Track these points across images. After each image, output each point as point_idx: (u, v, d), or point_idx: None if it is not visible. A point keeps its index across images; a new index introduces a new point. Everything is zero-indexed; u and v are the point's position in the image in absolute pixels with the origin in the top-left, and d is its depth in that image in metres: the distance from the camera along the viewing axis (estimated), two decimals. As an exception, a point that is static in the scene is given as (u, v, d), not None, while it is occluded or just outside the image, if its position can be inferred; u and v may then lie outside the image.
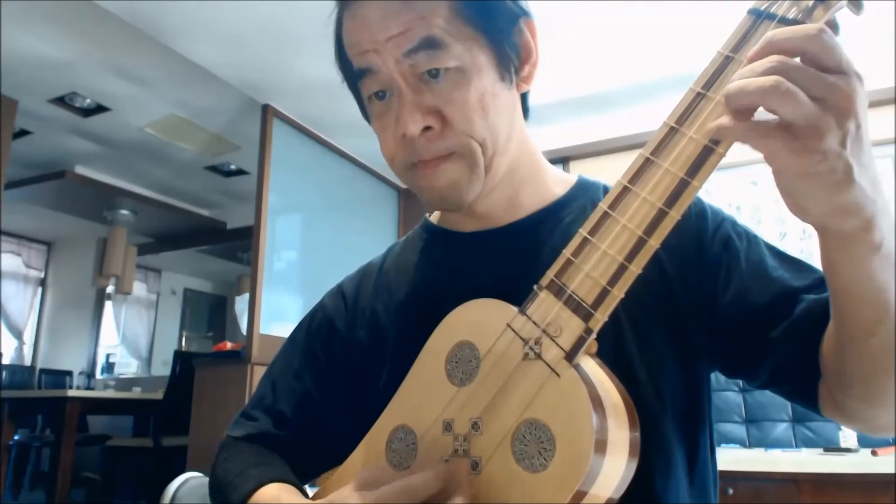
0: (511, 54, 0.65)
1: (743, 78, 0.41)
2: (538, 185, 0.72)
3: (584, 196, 0.72)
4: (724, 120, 0.43)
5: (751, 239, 0.67)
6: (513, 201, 0.70)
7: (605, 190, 0.73)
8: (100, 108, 3.52)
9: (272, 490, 0.64)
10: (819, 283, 0.61)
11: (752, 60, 0.42)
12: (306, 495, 0.65)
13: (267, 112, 3.23)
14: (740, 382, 2.68)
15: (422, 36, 0.59)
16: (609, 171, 3.54)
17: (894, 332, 0.48)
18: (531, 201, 0.71)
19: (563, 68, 2.87)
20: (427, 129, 0.61)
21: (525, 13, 0.67)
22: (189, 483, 1.03)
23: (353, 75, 0.66)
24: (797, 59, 0.41)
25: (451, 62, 0.60)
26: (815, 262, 0.64)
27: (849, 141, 0.40)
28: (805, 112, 0.39)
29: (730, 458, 2.22)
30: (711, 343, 0.64)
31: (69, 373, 5.62)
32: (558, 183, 0.74)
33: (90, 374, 5.74)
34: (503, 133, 0.64)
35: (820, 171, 0.41)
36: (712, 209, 0.70)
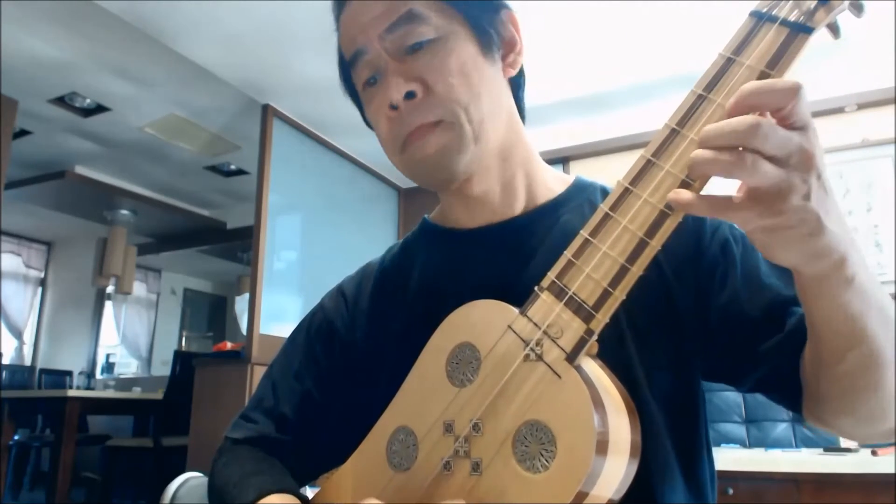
0: (492, 33, 0.67)
1: (717, 134, 0.42)
2: (533, 176, 0.72)
3: (581, 195, 0.72)
4: (687, 196, 0.44)
5: (746, 244, 0.67)
6: (506, 188, 0.70)
7: (603, 191, 0.74)
8: (100, 108, 3.52)
9: (272, 501, 0.63)
10: None
11: (730, 113, 0.43)
12: (307, 502, 0.65)
13: (267, 112, 3.23)
14: (733, 388, 2.68)
15: (402, 12, 0.63)
16: (609, 171, 3.55)
17: (866, 355, 0.50)
18: (526, 194, 0.71)
19: (563, 68, 2.87)
20: (410, 96, 0.63)
21: (505, 5, 0.70)
22: (189, 483, 1.03)
23: (349, 72, 0.68)
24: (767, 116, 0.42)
25: (431, 34, 0.64)
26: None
27: (813, 193, 0.42)
28: (770, 178, 0.41)
29: (730, 458, 2.21)
30: (705, 344, 0.65)
31: (69, 373, 5.61)
32: (556, 181, 0.74)
33: (90, 374, 5.74)
34: (487, 101, 0.65)
35: (790, 226, 0.43)
36: None
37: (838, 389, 0.54)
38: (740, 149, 0.41)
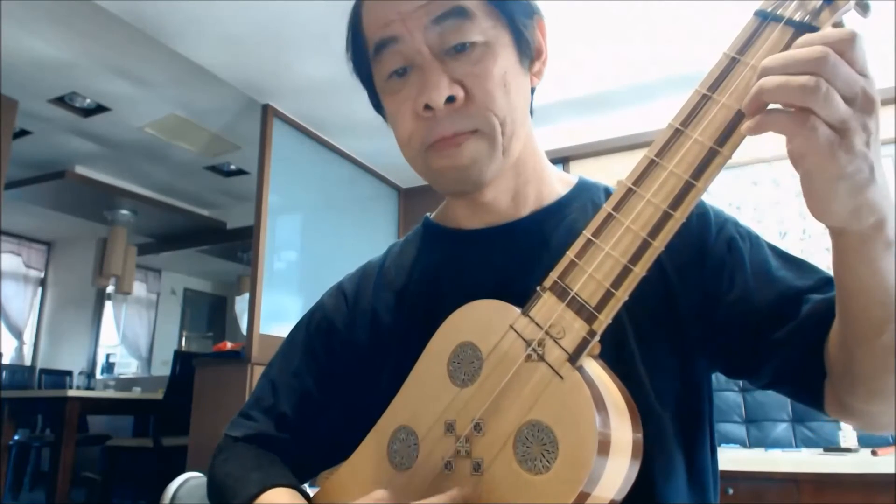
0: (530, 41, 0.66)
1: (785, 62, 0.41)
2: (542, 182, 0.72)
3: (584, 196, 0.72)
4: (756, 117, 0.42)
5: (753, 240, 0.67)
6: (516, 196, 0.70)
7: (606, 191, 0.73)
8: (100, 108, 3.52)
9: (275, 495, 0.63)
10: (822, 283, 0.61)
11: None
12: (308, 499, 0.65)
13: (267, 112, 3.23)
14: (740, 382, 2.68)
15: (452, 5, 0.60)
16: (609, 171, 3.55)
17: None
18: (533, 198, 0.71)
19: (563, 68, 2.87)
20: (450, 100, 0.60)
21: (538, 11, 0.68)
22: (189, 483, 1.03)
23: (368, 59, 0.66)
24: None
25: (478, 36, 0.61)
26: (815, 262, 0.64)
27: (872, 141, 0.42)
28: (840, 114, 0.40)
29: (730, 458, 2.21)
30: (712, 343, 0.64)
31: (69, 373, 5.61)
32: (560, 182, 0.74)
33: (90, 374, 5.74)
34: (520, 115, 0.64)
35: (849, 172, 0.42)
36: (714, 210, 0.70)
37: (874, 368, 0.52)
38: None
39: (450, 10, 0.60)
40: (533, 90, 0.71)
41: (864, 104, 0.41)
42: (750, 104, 0.43)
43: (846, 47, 0.41)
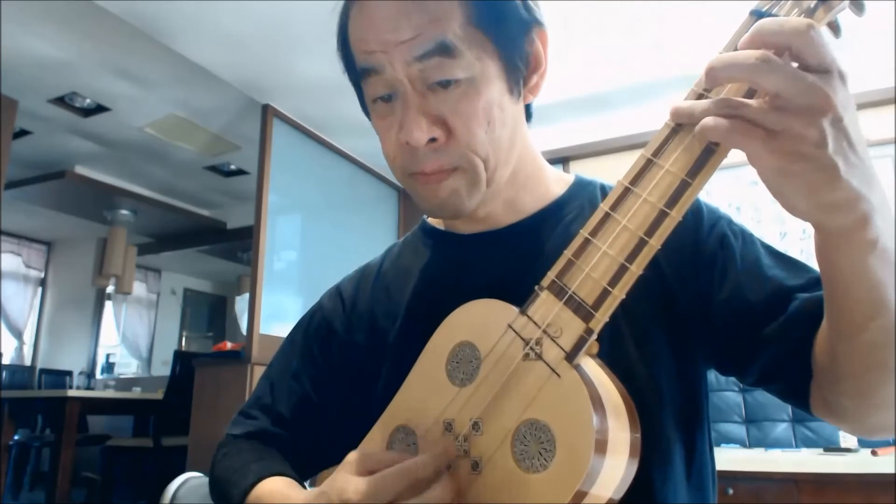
0: (520, 65, 0.64)
1: (725, 65, 0.41)
2: (538, 187, 0.72)
3: (582, 195, 0.72)
4: (709, 121, 0.42)
5: (746, 237, 0.67)
6: (513, 204, 0.70)
7: (603, 188, 0.73)
8: (100, 108, 3.52)
9: (272, 483, 0.64)
10: (813, 282, 0.61)
11: (742, 48, 0.42)
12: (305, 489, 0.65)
13: (267, 112, 3.23)
14: (740, 383, 2.68)
15: (435, 41, 0.58)
16: (609, 171, 3.55)
17: (887, 328, 0.48)
18: (531, 203, 0.71)
19: (563, 68, 2.87)
20: (431, 140, 0.60)
21: (537, 21, 0.65)
22: (189, 483, 1.03)
23: (357, 72, 0.65)
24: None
25: (462, 73, 0.59)
26: (814, 261, 0.64)
27: (830, 140, 0.40)
28: (777, 120, 0.40)
29: (730, 458, 2.22)
30: (706, 340, 0.64)
31: (69, 373, 5.61)
32: (557, 182, 0.74)
33: (90, 374, 5.74)
34: (505, 146, 0.64)
35: (798, 171, 0.41)
36: (708, 207, 0.70)
37: (857, 365, 0.51)
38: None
39: (433, 49, 0.58)
40: (530, 104, 0.70)
41: (814, 102, 0.39)
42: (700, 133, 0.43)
43: (794, 39, 0.40)
